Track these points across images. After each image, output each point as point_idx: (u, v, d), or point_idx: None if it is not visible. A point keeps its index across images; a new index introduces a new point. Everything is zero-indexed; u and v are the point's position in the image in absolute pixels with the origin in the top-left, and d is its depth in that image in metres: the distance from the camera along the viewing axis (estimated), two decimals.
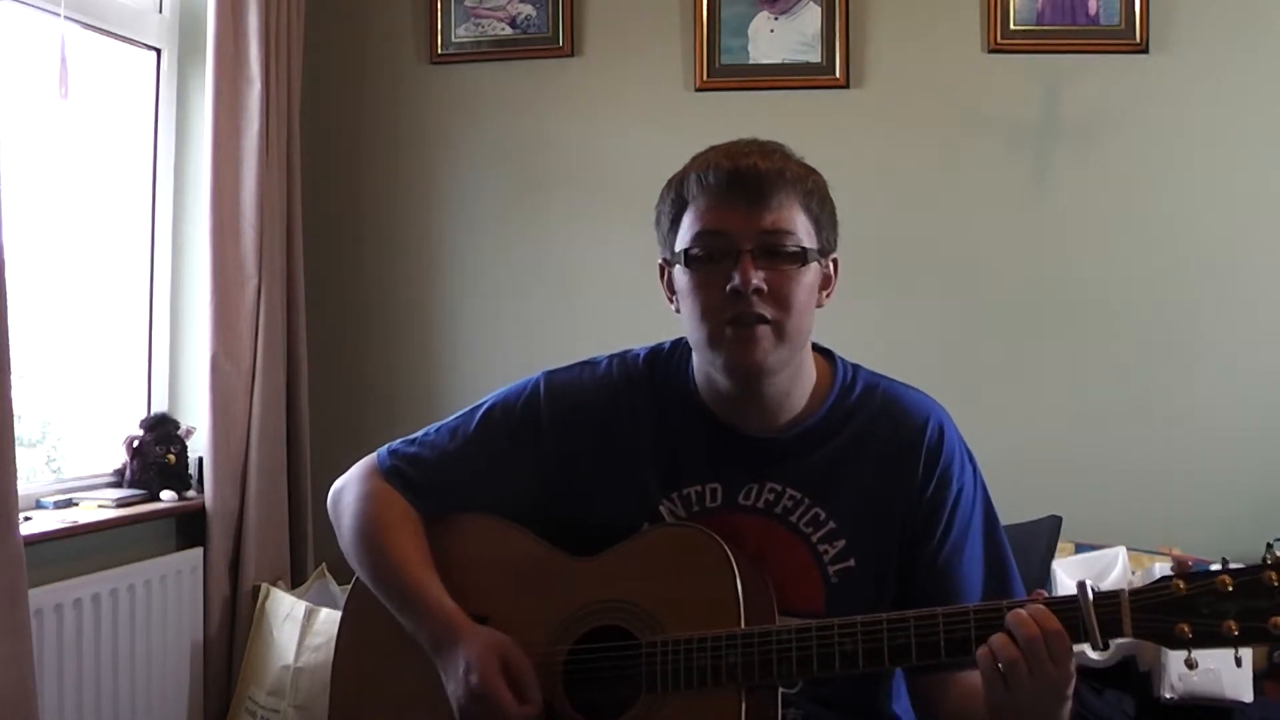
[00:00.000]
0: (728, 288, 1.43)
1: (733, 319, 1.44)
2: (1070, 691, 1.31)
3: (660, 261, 1.56)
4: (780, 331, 1.45)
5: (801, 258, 1.45)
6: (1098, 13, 3.09)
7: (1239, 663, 1.26)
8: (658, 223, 1.54)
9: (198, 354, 3.03)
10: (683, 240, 1.48)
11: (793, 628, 1.41)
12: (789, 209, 1.45)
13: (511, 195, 3.40)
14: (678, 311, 1.54)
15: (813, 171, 1.49)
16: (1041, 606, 1.30)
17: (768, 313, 1.43)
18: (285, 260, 3.18)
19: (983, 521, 1.54)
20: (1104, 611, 1.28)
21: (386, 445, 1.69)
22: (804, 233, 1.46)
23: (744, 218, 1.44)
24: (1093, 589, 1.29)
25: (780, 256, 1.45)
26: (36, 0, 2.68)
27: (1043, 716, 1.32)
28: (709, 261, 1.45)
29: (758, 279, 1.42)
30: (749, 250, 1.43)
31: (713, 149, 1.51)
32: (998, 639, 1.30)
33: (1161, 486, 3.04)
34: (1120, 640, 1.28)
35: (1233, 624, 1.23)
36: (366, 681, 1.63)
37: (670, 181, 1.52)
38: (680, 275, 1.49)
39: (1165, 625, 1.25)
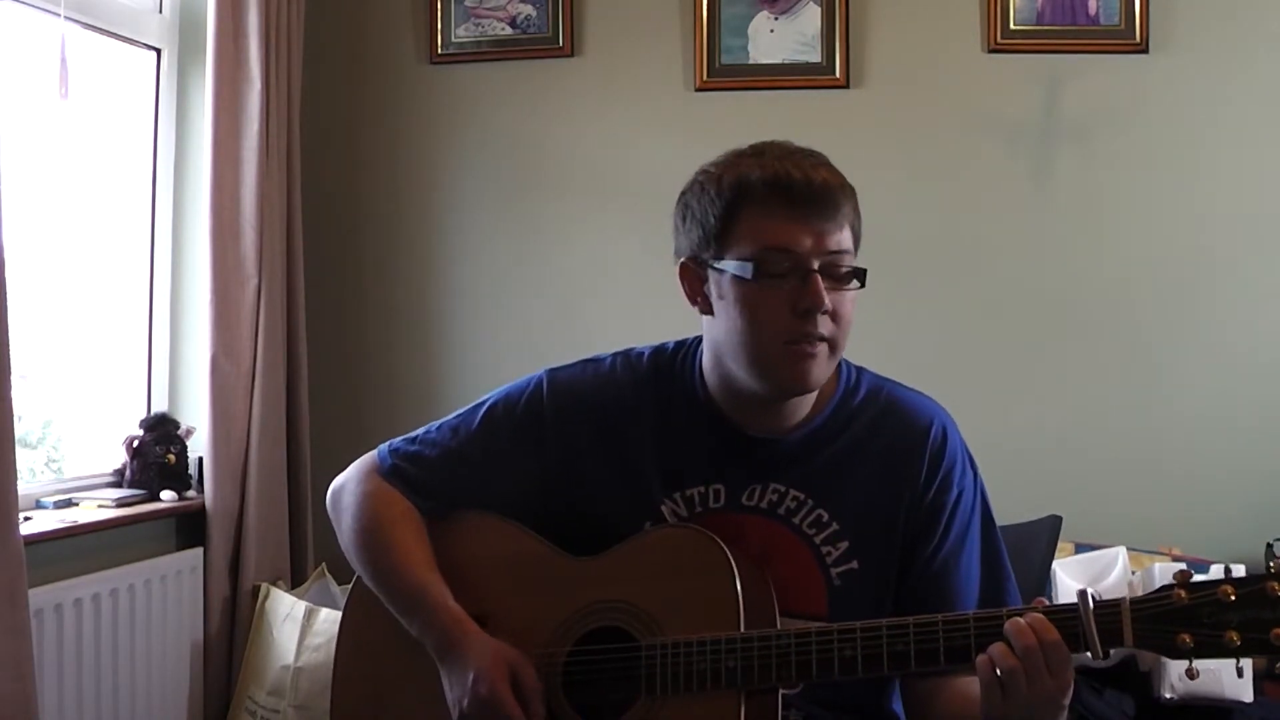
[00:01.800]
0: (800, 307, 1.41)
1: (797, 338, 1.42)
2: (1066, 701, 1.31)
3: (687, 260, 1.50)
4: (834, 350, 1.45)
5: (861, 278, 1.45)
6: (1098, 13, 3.08)
7: (1240, 673, 1.26)
8: (699, 219, 1.47)
9: (198, 354, 3.03)
10: (743, 249, 1.43)
11: (792, 632, 1.40)
12: (846, 227, 1.44)
13: (511, 195, 3.39)
14: (702, 312, 1.51)
15: (853, 187, 1.47)
16: (1040, 616, 1.29)
17: (827, 331, 1.43)
18: (285, 260, 3.18)
19: (980, 527, 1.54)
20: (1104, 621, 1.27)
21: (386, 443, 1.68)
22: (854, 250, 1.46)
23: (814, 235, 1.41)
24: (1094, 598, 1.28)
25: (841, 277, 1.44)
26: (36, 0, 2.68)
27: None
28: (774, 277, 1.42)
29: (828, 300, 1.41)
30: (817, 270, 1.42)
31: (763, 153, 1.45)
32: (997, 648, 1.29)
33: (1161, 486, 3.04)
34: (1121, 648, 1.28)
35: (1234, 634, 1.23)
36: (367, 681, 1.63)
37: (717, 179, 1.46)
38: (732, 285, 1.44)
39: (1167, 635, 1.25)
